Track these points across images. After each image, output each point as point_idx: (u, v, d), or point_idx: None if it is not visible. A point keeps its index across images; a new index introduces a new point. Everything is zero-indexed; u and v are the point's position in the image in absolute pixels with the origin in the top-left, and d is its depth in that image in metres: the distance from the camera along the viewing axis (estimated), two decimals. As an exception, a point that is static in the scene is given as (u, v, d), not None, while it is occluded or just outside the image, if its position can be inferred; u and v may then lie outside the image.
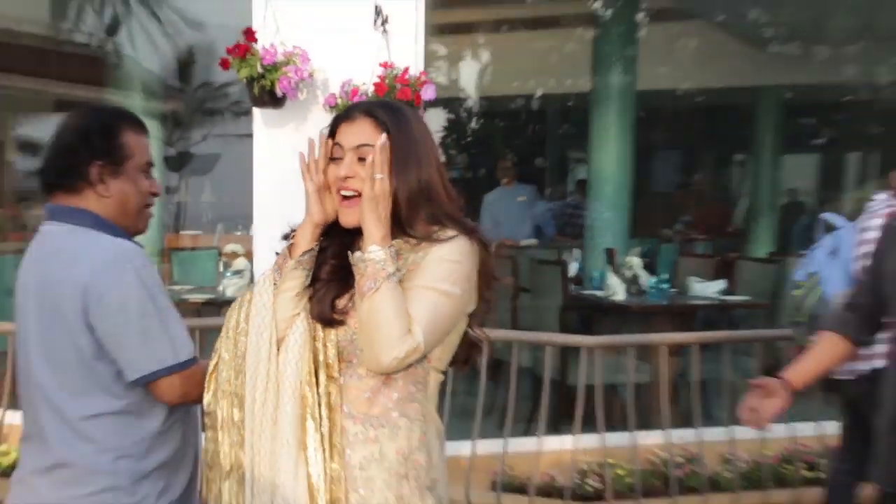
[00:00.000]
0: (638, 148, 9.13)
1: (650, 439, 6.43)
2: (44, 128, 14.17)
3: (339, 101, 6.03)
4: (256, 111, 6.35)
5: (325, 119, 6.01)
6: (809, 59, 12.13)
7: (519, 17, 12.28)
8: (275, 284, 2.59)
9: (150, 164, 3.07)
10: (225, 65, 6.08)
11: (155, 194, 3.10)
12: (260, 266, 6.55)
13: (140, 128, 3.07)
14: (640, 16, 10.19)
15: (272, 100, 6.08)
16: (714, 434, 6.41)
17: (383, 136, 2.46)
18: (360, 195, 2.52)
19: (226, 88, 11.64)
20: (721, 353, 6.46)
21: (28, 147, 14.02)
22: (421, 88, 6.00)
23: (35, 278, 2.85)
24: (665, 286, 8.25)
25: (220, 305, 8.01)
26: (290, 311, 2.56)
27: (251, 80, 5.99)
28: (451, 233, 2.55)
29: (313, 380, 2.53)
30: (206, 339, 7.31)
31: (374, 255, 2.42)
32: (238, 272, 8.18)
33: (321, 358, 2.54)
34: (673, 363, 6.64)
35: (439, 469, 2.67)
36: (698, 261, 9.81)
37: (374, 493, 2.53)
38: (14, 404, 7.02)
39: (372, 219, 2.43)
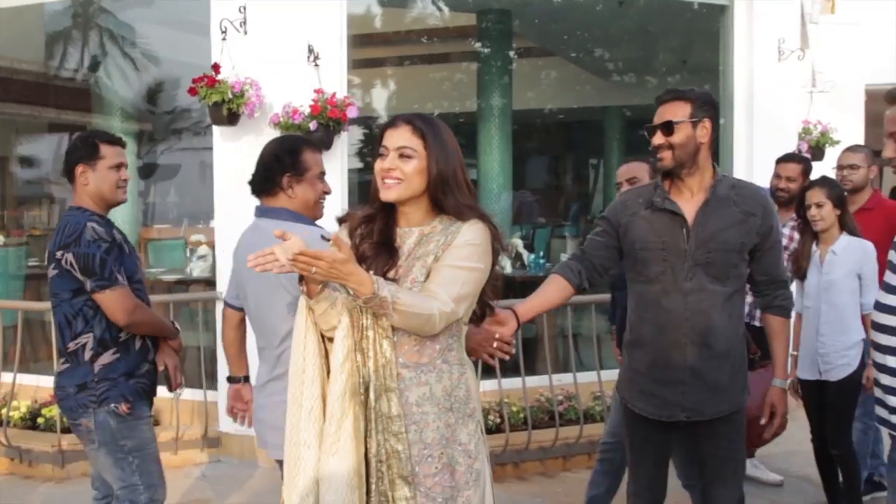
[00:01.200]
0: (514, 155, 9.21)
1: (537, 382, 6.56)
2: (39, 146, 13.90)
3: (281, 119, 6.05)
4: (216, 128, 6.33)
5: (270, 133, 6.06)
6: (642, 85, 12.37)
7: (418, 53, 12.36)
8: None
9: (322, 173, 3.48)
10: (192, 92, 6.07)
11: (327, 193, 3.49)
12: (221, 249, 6.54)
13: (315, 148, 3.51)
14: (512, 53, 10.26)
15: (231, 120, 6.09)
16: (586, 377, 6.57)
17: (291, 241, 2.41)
18: (399, 181, 2.62)
19: (187, 112, 11.50)
20: (588, 312, 6.60)
21: (26, 161, 13.73)
22: (346, 109, 6.05)
23: None
24: (542, 262, 8.44)
25: (188, 284, 7.97)
26: (332, 323, 2.56)
27: (218, 104, 5.98)
28: (471, 218, 2.66)
29: (356, 353, 2.56)
30: (179, 311, 7.31)
31: (370, 301, 2.45)
32: (202, 256, 8.12)
33: (380, 323, 2.56)
34: (552, 321, 6.75)
35: (475, 399, 2.74)
36: (566, 241, 10.04)
37: (427, 424, 2.61)
38: (24, 368, 6.94)
39: (347, 284, 2.43)
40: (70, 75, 11.61)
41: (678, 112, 3.35)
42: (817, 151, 7.68)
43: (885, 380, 2.86)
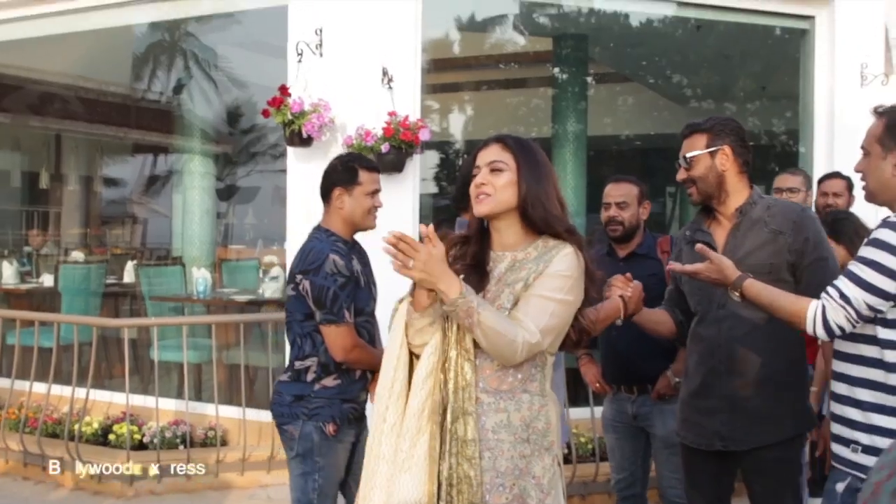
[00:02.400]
0: (589, 181, 9.08)
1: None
2: (123, 167, 14.18)
3: (354, 141, 6.02)
4: (290, 150, 6.35)
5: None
6: (721, 112, 12.15)
7: (495, 78, 12.37)
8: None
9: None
10: (265, 114, 6.14)
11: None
12: (292, 271, 6.51)
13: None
14: (589, 78, 10.18)
15: (301, 140, 6.09)
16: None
17: (422, 228, 2.44)
18: (490, 195, 2.63)
19: (266, 134, 11.64)
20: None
21: (111, 181, 14.04)
22: (419, 131, 6.00)
23: None
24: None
25: (259, 304, 7.99)
26: (426, 339, 2.56)
27: (285, 125, 6.02)
28: (566, 248, 2.62)
29: (439, 372, 2.54)
30: (249, 331, 7.33)
31: (455, 302, 2.42)
32: (274, 278, 8.13)
33: (463, 345, 2.55)
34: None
35: (555, 433, 2.67)
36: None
37: (502, 452, 2.56)
38: (98, 384, 7.01)
39: (437, 284, 2.42)
40: (154, 97, 11.85)
41: (695, 145, 3.37)
42: (902, 180, 7.39)
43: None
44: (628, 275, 3.34)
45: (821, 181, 5.71)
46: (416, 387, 2.52)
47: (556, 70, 9.50)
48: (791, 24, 7.68)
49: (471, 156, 2.99)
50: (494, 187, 2.62)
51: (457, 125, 12.81)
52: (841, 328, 2.71)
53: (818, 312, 2.74)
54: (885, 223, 2.70)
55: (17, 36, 8.20)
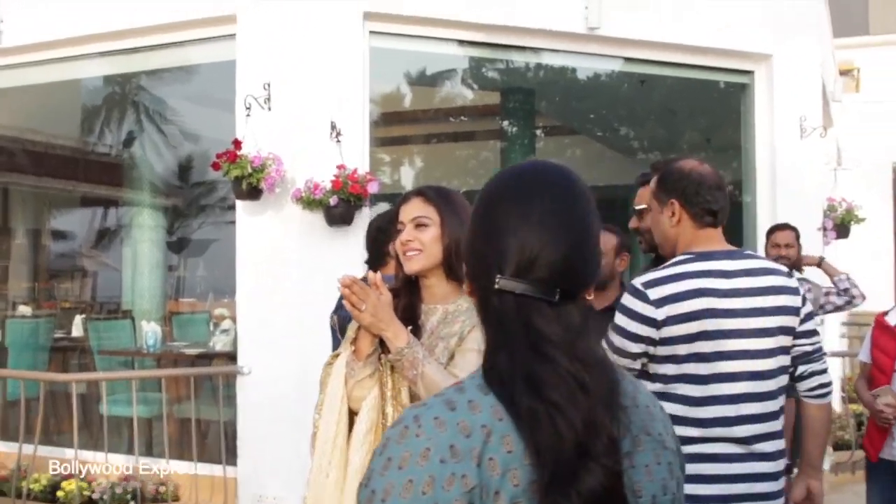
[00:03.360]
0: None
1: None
2: (72, 220, 14.04)
3: (303, 194, 6.04)
4: (239, 203, 6.34)
5: (292, 209, 6.15)
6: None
7: (443, 131, 12.38)
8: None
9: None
10: (216, 167, 6.12)
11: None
12: (243, 323, 6.50)
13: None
14: (537, 131, 10.31)
15: (253, 194, 6.09)
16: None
17: (369, 275, 2.45)
18: (419, 252, 2.59)
19: (217, 187, 11.59)
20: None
21: (59, 235, 13.88)
22: (367, 184, 6.03)
23: None
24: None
25: (210, 357, 7.93)
26: (363, 393, 2.54)
27: (239, 179, 6.00)
28: None
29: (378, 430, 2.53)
30: (201, 384, 7.27)
31: (402, 352, 2.42)
32: (225, 331, 8.07)
33: (399, 400, 2.52)
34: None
35: None
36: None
37: None
38: (46, 440, 6.89)
39: (385, 331, 2.43)
40: (104, 150, 11.76)
41: (645, 196, 3.38)
42: (842, 229, 7.60)
43: None
44: None
45: (770, 232, 5.87)
46: (357, 443, 2.50)
47: (505, 123, 9.62)
48: (732, 78, 7.88)
49: (379, 215, 3.04)
50: (422, 243, 2.59)
51: (406, 177, 12.86)
52: None
53: None
54: (627, 287, 2.92)
55: (-36, 90, 8.16)
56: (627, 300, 2.85)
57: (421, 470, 1.20)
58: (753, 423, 2.82)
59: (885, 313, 4.47)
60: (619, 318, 2.85)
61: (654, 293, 2.79)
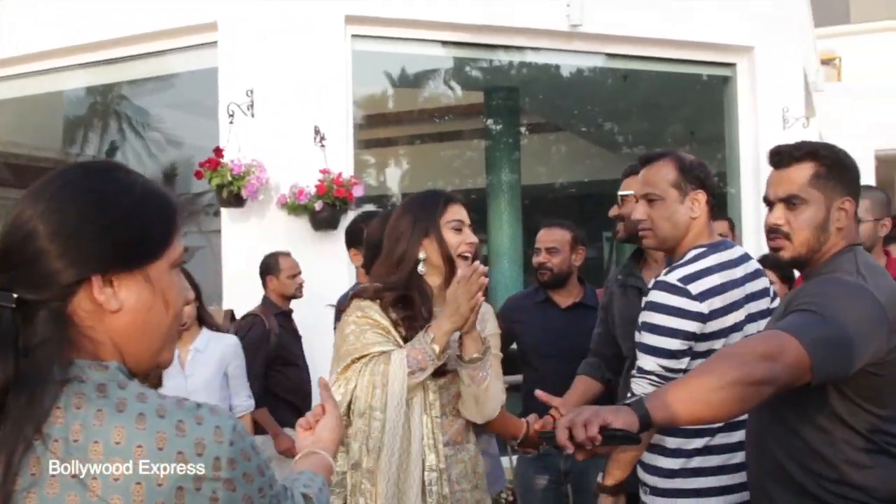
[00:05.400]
0: (525, 230, 9.15)
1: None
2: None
3: (288, 200, 6.06)
4: (224, 211, 6.33)
5: (277, 215, 6.17)
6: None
7: (428, 132, 12.36)
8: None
9: None
10: (198, 175, 6.12)
11: None
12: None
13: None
14: (522, 129, 10.31)
15: (237, 201, 6.09)
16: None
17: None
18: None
19: (202, 194, 11.57)
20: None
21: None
22: (352, 188, 6.05)
23: None
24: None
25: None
26: (412, 394, 2.60)
27: (220, 187, 6.01)
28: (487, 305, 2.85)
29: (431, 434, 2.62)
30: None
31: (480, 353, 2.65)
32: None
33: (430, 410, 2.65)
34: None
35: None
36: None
37: (466, 502, 2.70)
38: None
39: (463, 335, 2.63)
40: (87, 160, 11.71)
41: (632, 184, 3.34)
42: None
43: None
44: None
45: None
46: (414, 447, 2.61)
47: (489, 122, 9.60)
48: (714, 71, 7.91)
49: (377, 219, 3.05)
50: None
51: (392, 179, 12.84)
52: None
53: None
54: (657, 284, 2.76)
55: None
56: (664, 298, 2.70)
57: None
58: None
59: None
60: (657, 317, 2.70)
61: (694, 288, 2.70)
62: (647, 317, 2.73)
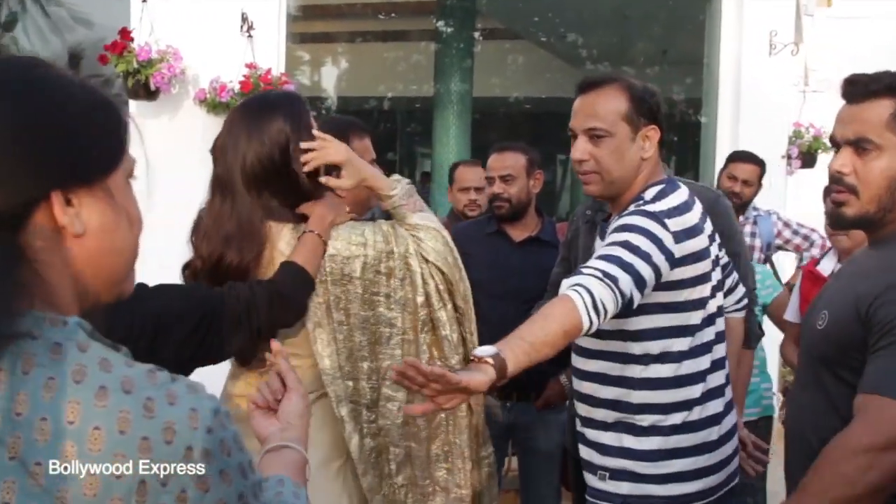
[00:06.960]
0: (474, 146, 8.98)
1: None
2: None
3: (208, 95, 5.77)
4: (132, 103, 5.95)
5: (194, 111, 5.88)
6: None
7: (371, 30, 12.19)
8: None
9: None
10: (103, 60, 5.77)
11: None
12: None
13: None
14: (476, 34, 10.05)
15: (146, 93, 5.73)
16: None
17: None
18: None
19: (110, 81, 11.14)
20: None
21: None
22: (282, 87, 5.71)
23: None
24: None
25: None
26: None
27: (126, 75, 5.66)
28: None
29: None
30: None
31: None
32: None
33: None
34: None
35: None
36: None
37: None
38: None
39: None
40: (9, 56, 11.24)
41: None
42: (808, 157, 7.39)
43: None
44: None
45: (730, 161, 5.33)
46: None
47: (440, 23, 9.32)
48: (696, -17, 7.64)
49: None
50: None
51: (328, 80, 12.72)
52: (606, 312, 2.23)
53: (584, 298, 2.17)
54: (635, 210, 2.44)
55: None
56: (649, 224, 2.36)
57: None
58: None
59: (816, 262, 4.16)
60: (634, 238, 2.33)
61: (672, 224, 2.40)
62: (617, 237, 2.35)
